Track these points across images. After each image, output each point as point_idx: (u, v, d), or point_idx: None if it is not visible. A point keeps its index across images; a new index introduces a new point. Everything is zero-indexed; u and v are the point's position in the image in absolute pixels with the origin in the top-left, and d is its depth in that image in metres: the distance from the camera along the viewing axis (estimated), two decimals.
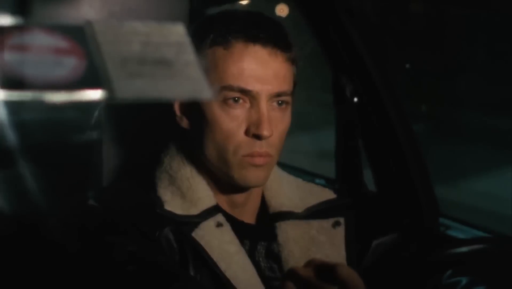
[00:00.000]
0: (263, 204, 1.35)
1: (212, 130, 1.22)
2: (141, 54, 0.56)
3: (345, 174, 1.77)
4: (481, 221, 1.77)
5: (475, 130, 5.59)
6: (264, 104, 1.20)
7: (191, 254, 1.19)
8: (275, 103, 1.23)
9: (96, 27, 0.56)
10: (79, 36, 0.55)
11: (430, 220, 1.70)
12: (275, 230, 1.32)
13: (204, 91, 0.57)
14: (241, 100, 1.21)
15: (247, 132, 1.21)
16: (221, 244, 1.22)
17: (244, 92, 1.20)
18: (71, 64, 0.53)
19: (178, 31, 0.59)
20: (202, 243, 1.20)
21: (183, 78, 0.56)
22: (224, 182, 1.26)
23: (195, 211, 1.23)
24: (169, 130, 1.31)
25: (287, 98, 1.24)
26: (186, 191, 1.25)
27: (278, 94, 1.22)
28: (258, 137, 1.20)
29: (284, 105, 1.24)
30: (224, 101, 1.20)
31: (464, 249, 1.39)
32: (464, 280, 1.31)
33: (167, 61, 0.57)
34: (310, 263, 0.96)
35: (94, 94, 0.53)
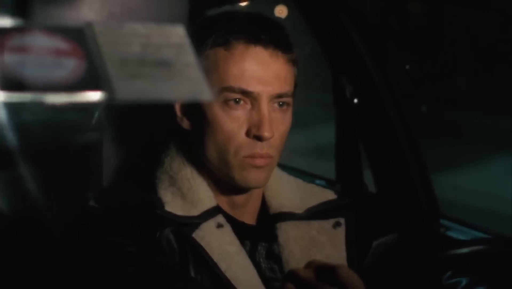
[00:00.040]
0: (264, 204, 1.35)
1: (213, 131, 1.22)
2: (141, 55, 0.56)
3: (345, 174, 1.77)
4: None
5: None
6: (265, 106, 1.20)
7: (192, 255, 1.19)
8: (276, 105, 1.23)
9: (96, 28, 0.56)
10: (79, 37, 0.55)
11: (430, 220, 1.70)
12: (276, 230, 1.33)
13: (204, 93, 0.57)
14: (242, 102, 1.21)
15: (248, 134, 1.21)
16: (221, 244, 1.22)
17: (245, 93, 1.20)
18: (71, 66, 0.53)
19: (178, 33, 0.59)
20: (203, 243, 1.20)
21: (183, 79, 0.56)
22: (224, 182, 1.26)
23: (195, 212, 1.23)
24: (170, 131, 1.31)
25: (288, 99, 1.24)
26: (186, 192, 1.25)
27: (279, 96, 1.22)
28: (259, 138, 1.20)
29: (285, 107, 1.24)
30: (225, 103, 1.20)
31: (464, 249, 1.39)
32: (464, 281, 1.31)
33: (167, 63, 0.57)
34: (310, 264, 0.96)
35: (94, 96, 0.53)
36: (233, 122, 1.21)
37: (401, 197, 1.70)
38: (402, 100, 1.71)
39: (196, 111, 1.23)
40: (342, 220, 1.37)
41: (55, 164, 1.35)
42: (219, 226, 1.24)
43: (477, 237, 1.68)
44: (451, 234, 1.71)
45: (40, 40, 0.54)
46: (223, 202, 1.29)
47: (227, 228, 1.25)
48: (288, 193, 1.36)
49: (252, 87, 1.20)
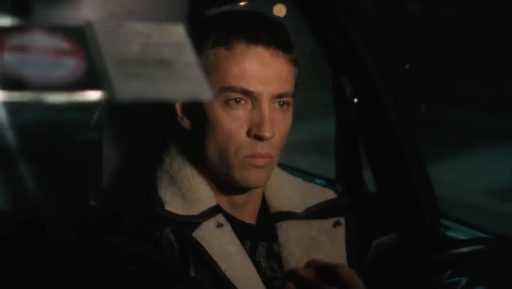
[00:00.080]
0: (264, 204, 1.35)
1: (213, 131, 1.22)
2: (141, 55, 0.56)
3: (345, 173, 1.77)
4: None
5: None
6: (266, 106, 1.20)
7: (192, 255, 1.19)
8: (276, 104, 1.23)
9: (97, 28, 0.56)
10: (80, 37, 0.55)
11: (430, 220, 1.70)
12: (276, 230, 1.33)
13: (203, 92, 0.57)
14: (243, 101, 1.21)
15: (248, 133, 1.21)
16: (221, 244, 1.22)
17: (246, 93, 1.20)
18: (72, 65, 0.53)
19: (178, 32, 0.59)
20: (203, 243, 1.20)
21: (183, 79, 0.56)
22: (224, 182, 1.26)
23: (195, 211, 1.23)
24: (170, 130, 1.31)
25: (289, 99, 1.24)
26: (186, 191, 1.25)
27: (280, 96, 1.22)
28: (259, 138, 1.20)
29: (285, 106, 1.24)
30: (226, 102, 1.20)
31: (464, 249, 1.39)
32: (464, 281, 1.31)
33: (167, 62, 0.57)
34: (310, 264, 0.96)
35: (94, 95, 0.53)
36: (234, 122, 1.21)
37: (401, 197, 1.70)
38: (402, 100, 1.71)
39: (197, 111, 1.23)
40: (342, 220, 1.37)
41: (55, 164, 1.35)
42: (219, 225, 1.24)
43: (477, 237, 1.68)
44: (451, 234, 1.71)
45: (40, 40, 0.54)
46: (223, 202, 1.29)
47: (227, 228, 1.25)
48: (288, 192, 1.36)
49: (253, 87, 1.20)
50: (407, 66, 5.86)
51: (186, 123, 1.27)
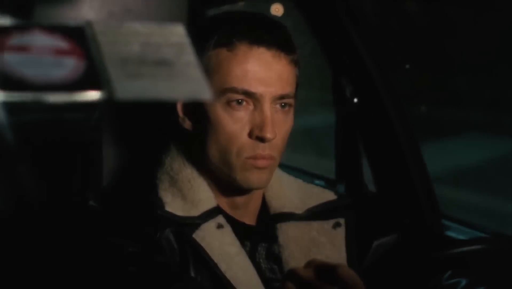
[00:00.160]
0: (264, 205, 1.35)
1: (215, 132, 1.21)
2: (141, 55, 0.56)
3: (345, 174, 1.77)
4: None
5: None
6: (267, 107, 1.20)
7: (192, 255, 1.19)
8: (278, 106, 1.23)
9: (96, 27, 0.56)
10: (79, 36, 0.55)
11: (430, 220, 1.70)
12: (276, 231, 1.32)
13: (203, 92, 0.57)
14: (244, 103, 1.20)
15: (250, 135, 1.21)
16: (221, 245, 1.22)
17: (248, 94, 1.20)
18: (71, 65, 0.53)
19: (178, 32, 0.59)
20: (203, 244, 1.20)
21: (183, 79, 0.56)
22: (225, 183, 1.26)
23: (195, 212, 1.23)
24: (170, 131, 1.31)
25: (290, 100, 1.24)
26: (187, 192, 1.25)
27: (282, 97, 1.22)
28: (261, 139, 1.20)
29: (287, 108, 1.24)
30: (228, 103, 1.20)
31: (464, 249, 1.39)
32: (464, 281, 1.31)
33: (167, 62, 0.57)
34: (310, 264, 0.96)
35: (94, 95, 0.53)
36: (235, 123, 1.20)
37: (401, 197, 1.70)
38: (402, 100, 1.71)
39: (198, 111, 1.23)
40: (342, 221, 1.37)
41: (55, 164, 1.35)
42: (219, 226, 1.24)
43: (477, 237, 1.68)
44: (451, 234, 1.71)
45: (40, 40, 0.54)
46: (224, 203, 1.29)
47: (227, 229, 1.24)
48: (288, 193, 1.36)
49: (255, 88, 1.19)
50: (407, 66, 5.86)
51: (187, 124, 1.27)
